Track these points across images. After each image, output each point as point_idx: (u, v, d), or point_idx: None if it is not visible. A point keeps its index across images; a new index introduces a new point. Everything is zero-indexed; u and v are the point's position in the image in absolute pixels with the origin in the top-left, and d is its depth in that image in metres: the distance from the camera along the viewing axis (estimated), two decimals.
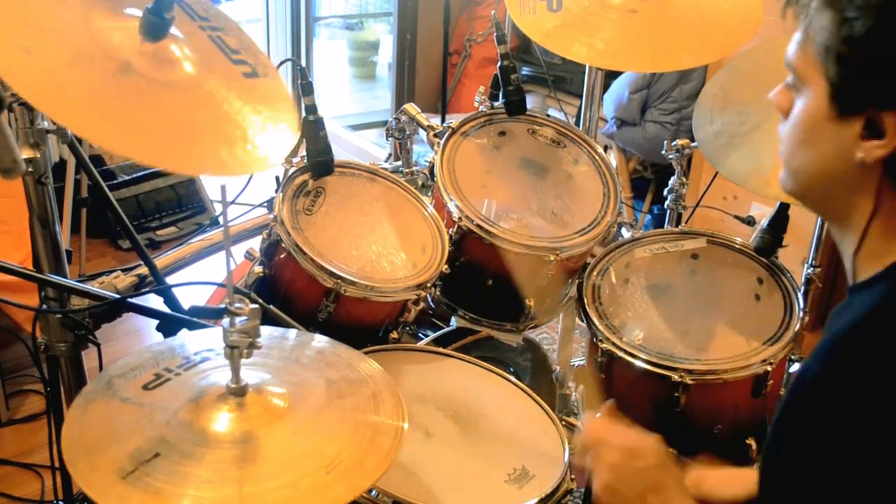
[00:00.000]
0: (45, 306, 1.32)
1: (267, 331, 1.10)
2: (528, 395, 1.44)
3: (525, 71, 3.95)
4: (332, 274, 1.40)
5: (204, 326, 1.25)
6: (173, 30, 1.10)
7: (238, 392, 0.96)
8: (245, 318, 0.92)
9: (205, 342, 1.11)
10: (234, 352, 0.93)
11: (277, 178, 1.56)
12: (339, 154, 1.56)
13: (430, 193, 1.72)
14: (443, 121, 2.98)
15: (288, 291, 1.47)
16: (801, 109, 0.85)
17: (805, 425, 0.79)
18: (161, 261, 1.54)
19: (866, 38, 0.76)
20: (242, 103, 1.10)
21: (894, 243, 0.82)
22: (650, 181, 3.54)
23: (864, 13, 0.76)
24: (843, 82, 0.79)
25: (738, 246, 1.67)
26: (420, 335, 1.93)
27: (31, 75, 0.91)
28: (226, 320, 0.92)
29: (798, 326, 1.50)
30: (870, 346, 0.76)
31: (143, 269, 1.40)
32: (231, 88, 1.11)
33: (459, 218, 1.58)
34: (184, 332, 1.25)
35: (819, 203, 0.90)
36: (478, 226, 1.57)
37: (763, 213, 1.67)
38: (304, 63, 4.34)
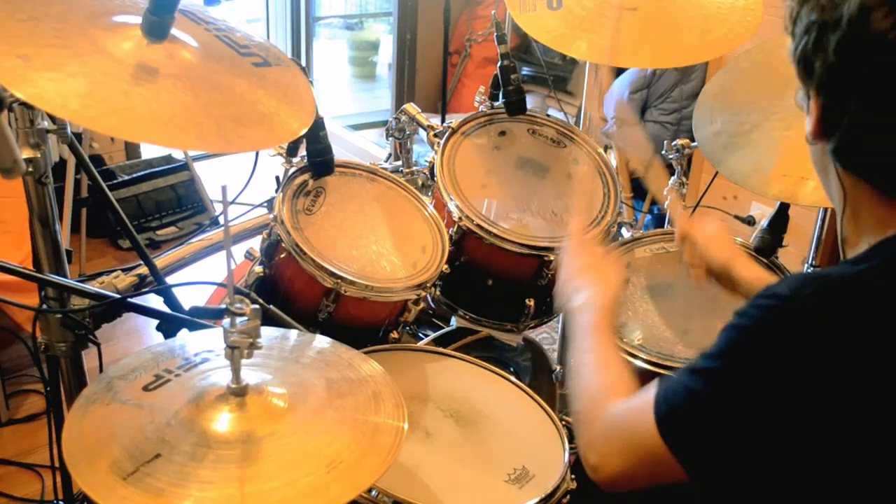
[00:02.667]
0: (45, 306, 1.32)
1: (267, 331, 1.10)
2: (528, 395, 1.44)
3: (525, 71, 3.95)
4: (332, 274, 1.40)
5: (204, 327, 1.25)
6: (179, 32, 1.10)
7: (238, 392, 0.96)
8: (246, 318, 0.92)
9: (205, 343, 1.11)
10: (235, 352, 0.93)
11: (277, 178, 1.56)
12: (339, 154, 1.56)
13: (430, 193, 1.72)
14: (443, 121, 2.98)
15: (288, 291, 1.47)
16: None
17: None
18: (161, 261, 1.54)
19: (796, 19, 0.83)
20: (256, 87, 1.13)
21: (864, 231, 0.85)
22: None
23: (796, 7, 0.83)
24: (794, 63, 0.86)
25: (738, 246, 1.67)
26: (420, 335, 1.93)
27: (61, 94, 0.93)
28: (226, 321, 0.92)
29: None
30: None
31: (143, 269, 1.40)
32: (243, 75, 1.14)
33: (459, 218, 1.58)
34: (184, 333, 1.25)
35: (826, 191, 0.92)
36: (478, 226, 1.57)
37: (763, 213, 1.67)
38: (304, 63, 4.34)
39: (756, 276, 1.29)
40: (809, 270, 0.82)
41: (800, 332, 0.76)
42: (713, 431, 0.80)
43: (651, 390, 0.86)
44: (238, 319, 0.92)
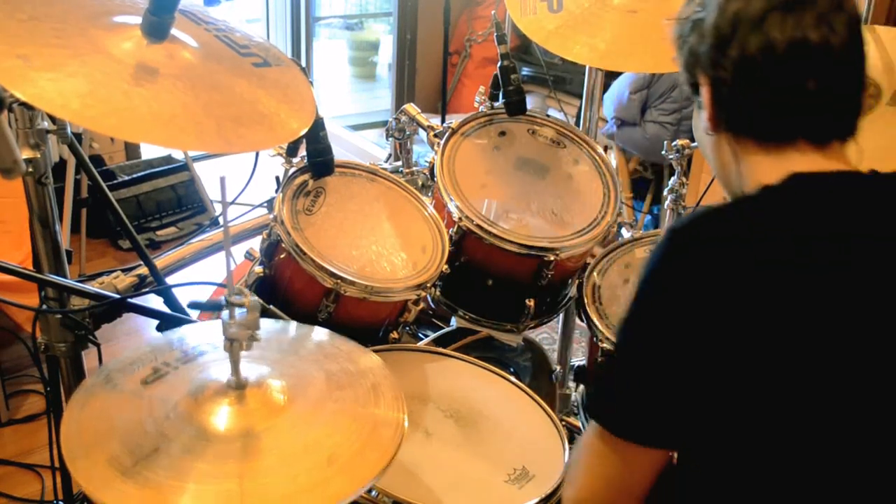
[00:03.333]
0: (45, 306, 1.32)
1: (266, 324, 1.10)
2: (528, 395, 1.44)
3: (525, 71, 3.95)
4: (332, 274, 1.40)
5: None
6: (179, 33, 1.10)
7: (238, 386, 0.95)
8: (244, 310, 0.91)
9: (203, 336, 1.11)
10: (234, 345, 0.93)
11: (277, 179, 1.56)
12: (339, 154, 1.56)
13: (430, 193, 1.72)
14: (443, 121, 2.98)
15: (288, 291, 1.47)
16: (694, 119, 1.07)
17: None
18: (161, 261, 1.54)
19: (681, 31, 0.99)
20: (256, 87, 1.14)
21: (748, 184, 0.95)
22: (650, 181, 3.54)
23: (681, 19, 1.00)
24: (683, 67, 1.00)
25: None
26: (420, 335, 1.93)
27: (64, 94, 0.94)
28: (225, 313, 0.91)
29: None
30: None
31: (143, 269, 1.40)
32: (243, 75, 1.14)
33: (459, 218, 1.58)
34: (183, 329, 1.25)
35: (725, 185, 1.03)
36: (478, 226, 1.57)
37: None
38: (304, 63, 4.34)
39: None
40: (705, 206, 0.91)
41: (669, 262, 0.87)
42: (636, 388, 0.87)
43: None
44: (237, 312, 0.91)
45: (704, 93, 0.96)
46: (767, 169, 0.92)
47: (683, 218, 0.90)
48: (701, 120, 0.99)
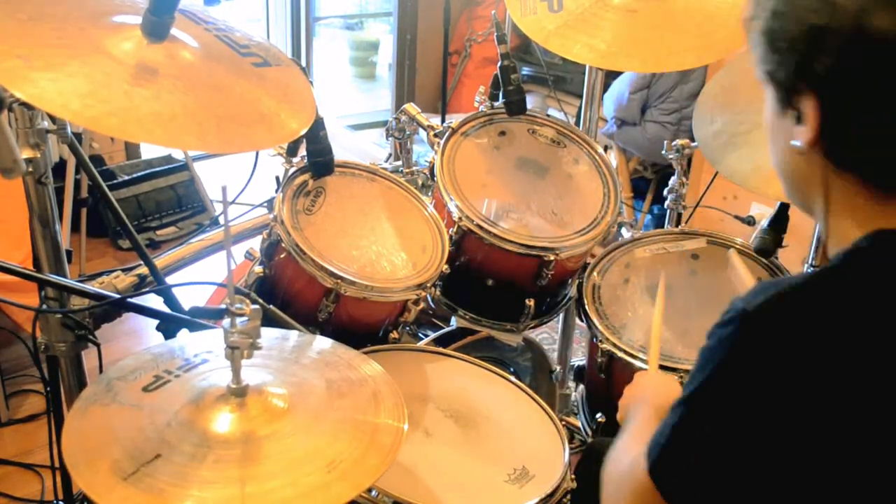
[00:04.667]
0: (45, 306, 1.32)
1: (267, 332, 1.10)
2: (528, 395, 1.44)
3: (525, 71, 3.95)
4: (332, 274, 1.40)
5: (204, 327, 1.25)
6: (179, 32, 1.10)
7: (239, 393, 0.96)
8: (246, 318, 0.92)
9: (204, 344, 1.11)
10: (235, 352, 0.93)
11: (277, 178, 1.56)
12: (339, 154, 1.56)
13: (430, 193, 1.72)
14: (443, 121, 2.97)
15: (288, 291, 1.47)
16: (765, 110, 0.91)
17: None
18: (161, 261, 1.54)
19: (776, 34, 0.83)
20: (257, 87, 1.13)
21: (851, 230, 0.84)
22: (650, 181, 3.54)
23: (774, 14, 0.83)
24: (772, 76, 0.86)
25: (738, 246, 1.67)
26: (420, 335, 1.93)
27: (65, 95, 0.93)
28: (227, 321, 0.92)
29: None
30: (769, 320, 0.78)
31: (143, 269, 1.40)
32: (243, 75, 1.14)
33: (459, 218, 1.58)
34: (184, 333, 1.25)
35: (796, 201, 0.93)
36: (478, 226, 1.57)
37: (763, 213, 1.67)
38: (304, 63, 4.34)
39: None
40: (773, 279, 0.82)
41: (752, 345, 0.77)
42: (698, 463, 0.80)
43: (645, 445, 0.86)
44: (238, 319, 0.92)
45: (809, 108, 0.81)
46: (863, 218, 0.82)
47: (756, 299, 0.78)
48: (787, 130, 0.85)
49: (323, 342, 1.15)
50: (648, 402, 1.10)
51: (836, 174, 0.84)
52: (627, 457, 0.92)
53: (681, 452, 0.81)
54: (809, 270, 0.82)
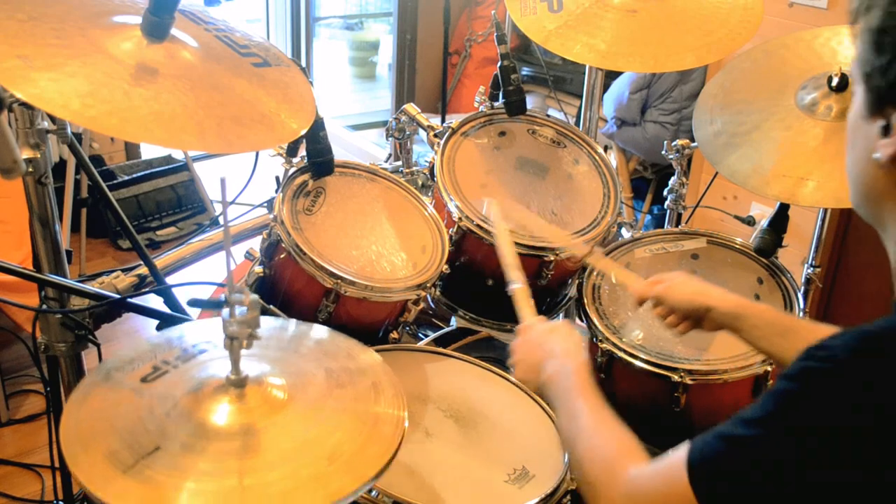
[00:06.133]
0: (45, 306, 1.32)
1: (265, 322, 1.10)
2: (528, 395, 1.44)
3: (525, 71, 3.95)
4: (331, 274, 1.40)
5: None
6: (179, 33, 1.10)
7: (238, 383, 0.95)
8: (245, 308, 0.91)
9: (202, 334, 1.10)
10: (234, 343, 0.93)
11: (277, 179, 1.56)
12: (339, 154, 1.56)
13: (430, 193, 1.72)
14: (443, 121, 2.98)
15: (288, 291, 1.47)
16: (850, 112, 0.86)
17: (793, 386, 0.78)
18: (161, 261, 1.54)
19: (884, 35, 0.77)
20: (257, 87, 1.13)
21: None
22: (650, 181, 3.54)
23: (888, 13, 0.77)
24: (868, 78, 0.80)
25: (738, 246, 1.67)
26: (420, 335, 1.93)
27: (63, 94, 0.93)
28: (225, 311, 0.91)
29: None
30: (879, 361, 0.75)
31: (143, 269, 1.40)
32: (243, 75, 1.14)
33: (459, 218, 1.58)
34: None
35: (865, 212, 0.89)
36: (478, 226, 1.57)
37: (763, 213, 1.67)
38: (304, 63, 4.34)
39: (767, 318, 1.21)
40: (863, 326, 0.78)
41: (840, 396, 0.74)
42: (751, 496, 0.77)
43: (681, 450, 0.83)
44: (237, 310, 0.91)
45: None
46: None
47: (848, 342, 0.75)
48: (870, 138, 0.81)
49: (321, 331, 1.14)
50: (567, 365, 1.07)
51: None
52: (608, 447, 0.92)
53: (736, 484, 0.78)
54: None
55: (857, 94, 0.83)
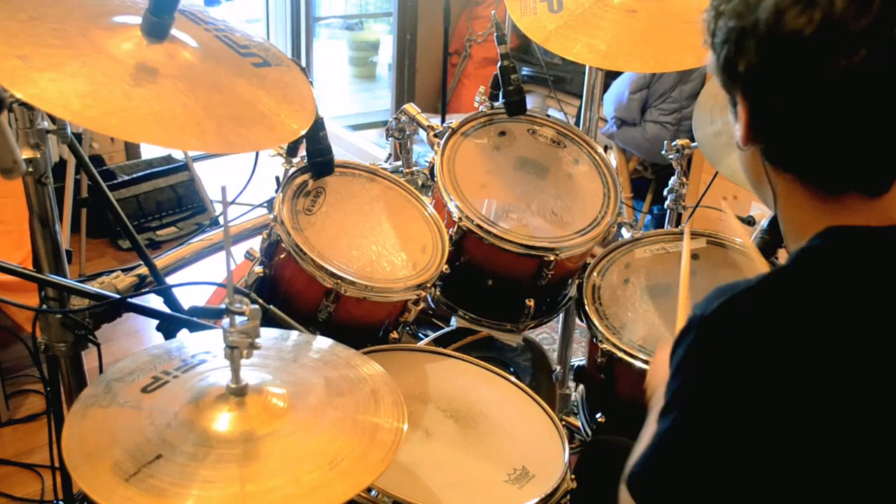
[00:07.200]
0: (45, 306, 1.32)
1: (265, 332, 1.10)
2: (528, 395, 1.44)
3: (525, 71, 3.95)
4: (331, 274, 1.40)
5: (204, 327, 1.25)
6: (179, 33, 1.10)
7: (238, 392, 0.96)
8: (245, 318, 0.92)
9: (201, 344, 1.11)
10: (235, 352, 0.93)
11: (277, 179, 1.56)
12: (339, 154, 1.56)
13: (430, 193, 1.72)
14: (443, 121, 2.98)
15: (288, 291, 1.47)
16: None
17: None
18: (161, 261, 1.54)
19: (715, 31, 0.85)
20: (257, 87, 1.13)
21: (802, 227, 0.85)
22: (650, 181, 3.54)
23: (709, 11, 0.86)
24: (718, 73, 0.87)
25: (738, 246, 1.67)
26: (420, 335, 1.93)
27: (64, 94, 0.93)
28: (226, 320, 0.92)
29: None
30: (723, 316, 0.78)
31: (143, 269, 1.40)
32: (243, 75, 1.14)
33: (459, 218, 1.58)
34: (183, 333, 1.25)
35: (756, 194, 0.95)
36: (478, 226, 1.57)
37: (763, 214, 1.67)
38: (304, 63, 4.34)
39: None
40: (729, 283, 0.82)
41: (711, 350, 0.77)
42: (669, 469, 0.79)
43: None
44: (237, 319, 0.92)
45: (740, 107, 0.85)
46: (813, 215, 0.83)
47: (711, 304, 0.79)
48: (734, 130, 0.88)
49: (321, 342, 1.15)
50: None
51: (776, 173, 0.86)
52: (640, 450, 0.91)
53: (651, 463, 0.80)
54: (764, 273, 0.82)
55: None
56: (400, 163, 1.86)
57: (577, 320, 1.73)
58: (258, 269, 1.49)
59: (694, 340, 0.79)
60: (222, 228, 0.95)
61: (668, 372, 0.84)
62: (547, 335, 2.71)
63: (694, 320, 0.80)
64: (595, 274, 1.66)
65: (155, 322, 1.28)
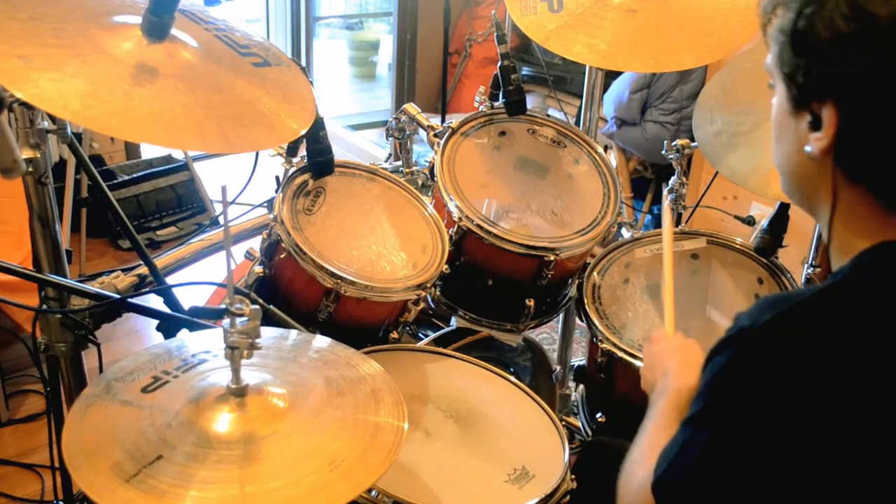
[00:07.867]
0: (45, 306, 1.32)
1: (265, 331, 1.10)
2: (528, 395, 1.44)
3: (525, 71, 3.94)
4: (331, 274, 1.40)
5: (204, 327, 1.25)
6: (179, 32, 1.10)
7: (238, 392, 0.96)
8: (245, 318, 0.92)
9: (201, 344, 1.11)
10: (235, 352, 0.93)
11: (277, 178, 1.56)
12: (339, 154, 1.56)
13: (430, 193, 1.72)
14: (443, 121, 2.98)
15: (288, 291, 1.47)
16: (773, 107, 0.89)
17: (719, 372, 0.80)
18: (161, 261, 1.54)
19: (801, 37, 0.80)
20: (257, 87, 1.13)
21: (856, 239, 0.83)
22: (650, 181, 3.54)
23: (801, 15, 0.79)
24: (790, 78, 0.83)
25: (738, 246, 1.67)
26: (420, 335, 1.93)
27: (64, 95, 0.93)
28: (226, 321, 0.92)
29: None
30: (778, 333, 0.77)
31: (143, 269, 1.40)
32: (243, 75, 1.14)
33: (459, 218, 1.58)
34: (183, 333, 1.25)
35: (798, 200, 0.92)
36: (478, 226, 1.57)
37: (763, 213, 1.67)
38: (304, 63, 4.34)
39: None
40: (775, 294, 0.80)
41: (761, 363, 0.76)
42: (702, 484, 0.78)
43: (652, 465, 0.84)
44: (238, 320, 0.92)
45: (828, 116, 0.79)
46: (868, 228, 0.81)
47: (762, 316, 0.77)
48: (798, 132, 0.83)
49: (321, 341, 1.15)
50: (669, 385, 1.06)
51: (846, 184, 0.82)
52: (642, 470, 0.90)
53: (685, 472, 0.79)
54: (813, 286, 0.80)
55: (779, 91, 0.86)
56: (400, 163, 1.86)
57: (577, 320, 1.73)
58: (258, 269, 1.49)
59: (741, 352, 0.77)
60: (222, 228, 0.95)
61: (699, 377, 0.83)
62: (547, 335, 2.71)
63: (742, 331, 0.78)
64: (595, 274, 1.66)
65: (155, 322, 1.28)
